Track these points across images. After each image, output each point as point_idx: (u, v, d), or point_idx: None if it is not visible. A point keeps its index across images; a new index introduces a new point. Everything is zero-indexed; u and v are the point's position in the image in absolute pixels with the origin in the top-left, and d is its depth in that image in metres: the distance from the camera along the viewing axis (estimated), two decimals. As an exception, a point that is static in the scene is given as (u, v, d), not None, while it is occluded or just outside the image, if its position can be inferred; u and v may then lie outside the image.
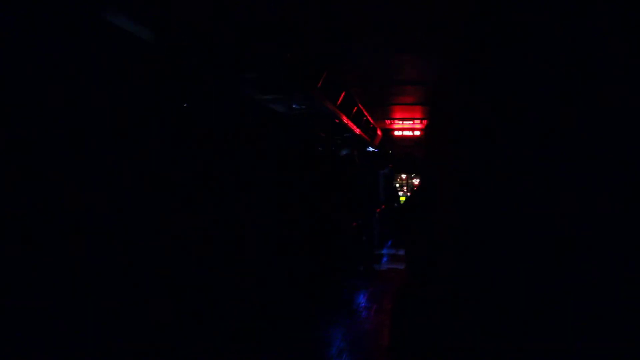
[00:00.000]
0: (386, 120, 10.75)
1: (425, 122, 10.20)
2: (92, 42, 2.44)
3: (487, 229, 1.71)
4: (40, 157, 2.13)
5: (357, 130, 7.82)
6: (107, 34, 2.54)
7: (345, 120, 6.69)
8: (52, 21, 2.21)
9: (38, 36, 2.14)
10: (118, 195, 2.50)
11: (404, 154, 11.55)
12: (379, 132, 10.93)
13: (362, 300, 5.72)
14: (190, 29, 2.97)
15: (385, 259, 8.80)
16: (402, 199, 11.23)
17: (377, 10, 3.87)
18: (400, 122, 10.85)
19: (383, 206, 9.06)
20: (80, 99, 2.36)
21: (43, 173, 2.14)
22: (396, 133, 11.48)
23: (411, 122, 10.78)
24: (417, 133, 11.26)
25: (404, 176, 12.46)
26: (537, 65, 1.81)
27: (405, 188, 12.42)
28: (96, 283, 2.32)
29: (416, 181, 12.24)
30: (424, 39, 4.53)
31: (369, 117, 8.70)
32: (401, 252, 8.42)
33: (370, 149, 10.75)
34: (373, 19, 4.10)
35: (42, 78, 2.17)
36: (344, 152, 7.58)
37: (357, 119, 7.63)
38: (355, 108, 7.23)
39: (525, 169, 1.71)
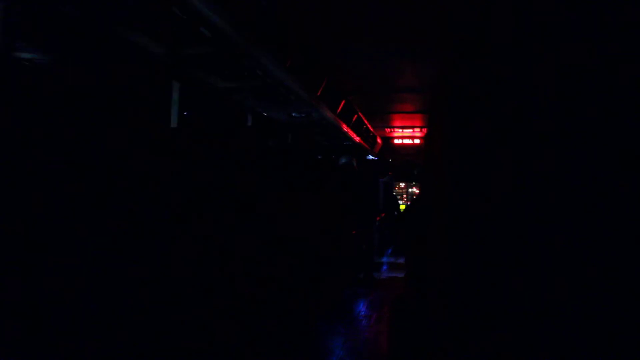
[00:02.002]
0: (386, 129, 10.77)
1: (425, 130, 10.23)
2: None
3: (483, 234, 1.71)
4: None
5: (357, 139, 7.84)
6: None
7: (345, 128, 6.71)
8: None
9: None
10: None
11: (404, 162, 11.54)
12: (379, 140, 10.95)
13: (362, 308, 5.69)
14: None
15: (385, 267, 8.77)
16: (402, 207, 11.20)
17: (376, 17, 3.90)
18: (400, 130, 10.87)
19: (383, 214, 9.04)
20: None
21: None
22: (396, 141, 11.49)
23: (411, 130, 10.80)
24: (417, 141, 11.27)
25: (402, 185, 12.43)
26: (537, 71, 1.82)
27: (405, 196, 12.38)
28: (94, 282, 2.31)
29: (417, 190, 12.22)
30: (423, 46, 4.57)
31: (368, 126, 8.72)
32: (401, 260, 8.39)
33: (370, 157, 10.76)
34: (372, 26, 4.13)
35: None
36: (343, 160, 7.59)
37: (357, 127, 7.65)
38: (355, 116, 7.26)
39: (520, 175, 1.71)
